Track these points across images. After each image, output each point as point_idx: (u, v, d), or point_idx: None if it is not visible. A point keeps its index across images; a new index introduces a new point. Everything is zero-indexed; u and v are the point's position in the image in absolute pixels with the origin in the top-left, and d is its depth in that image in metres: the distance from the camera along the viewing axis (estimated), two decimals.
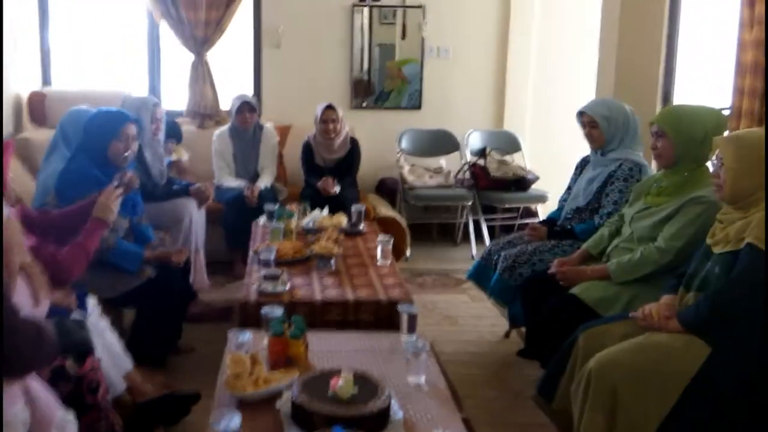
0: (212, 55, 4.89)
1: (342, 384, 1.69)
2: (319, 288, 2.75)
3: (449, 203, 5.14)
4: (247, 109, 4.31)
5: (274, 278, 2.71)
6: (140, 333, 2.87)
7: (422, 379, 1.99)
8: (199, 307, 3.48)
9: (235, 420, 1.53)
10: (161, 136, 3.76)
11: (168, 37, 4.85)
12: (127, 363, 2.46)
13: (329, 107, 4.25)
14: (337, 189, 4.21)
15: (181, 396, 2.46)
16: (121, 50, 5.06)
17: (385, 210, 4.69)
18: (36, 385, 1.29)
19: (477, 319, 3.74)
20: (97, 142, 2.83)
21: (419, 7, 5.19)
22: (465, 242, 5.07)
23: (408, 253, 4.69)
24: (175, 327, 3.03)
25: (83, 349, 2.02)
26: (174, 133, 4.41)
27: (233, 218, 4.11)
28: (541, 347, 2.67)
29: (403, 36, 5.25)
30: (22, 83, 4.42)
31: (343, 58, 5.19)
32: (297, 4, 5.02)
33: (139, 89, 4.87)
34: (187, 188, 3.83)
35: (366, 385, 1.75)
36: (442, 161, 5.28)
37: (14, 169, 3.58)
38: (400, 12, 5.19)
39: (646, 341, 2.05)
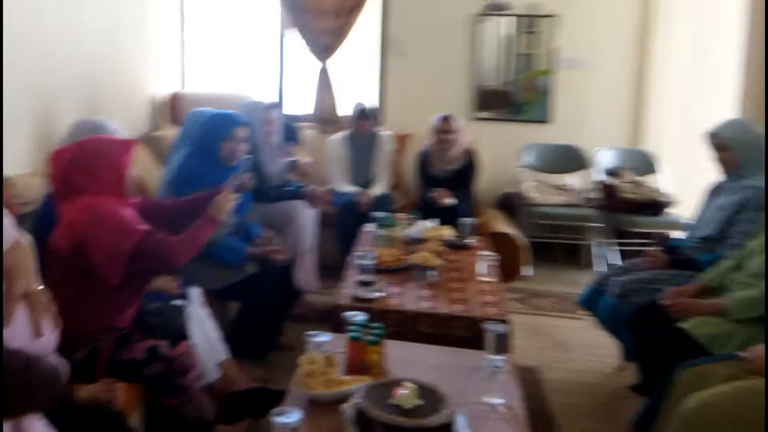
0: (335, 63, 5.08)
1: (404, 394, 1.72)
2: (413, 298, 2.79)
3: (575, 223, 4.99)
4: (364, 116, 4.44)
5: (368, 284, 2.78)
6: (242, 326, 3.05)
7: (499, 400, 1.97)
8: (304, 307, 3.64)
9: (295, 416, 1.60)
10: (275, 138, 3.96)
11: (296, 44, 5.10)
12: (222, 352, 2.62)
13: (446, 118, 4.29)
14: (451, 201, 4.22)
15: (271, 391, 2.59)
16: (254, 56, 5.40)
17: (501, 226, 4.65)
18: (37, 427, 1.19)
19: (592, 347, 3.61)
20: (210, 142, 3.06)
21: (551, 16, 5.11)
22: (591, 265, 4.90)
23: (526, 271, 4.62)
24: (276, 324, 3.19)
25: (177, 334, 2.21)
26: (291, 136, 4.63)
27: (345, 223, 4.25)
28: (649, 382, 2.55)
29: (520, 46, 5.21)
30: (162, 86, 4.83)
31: (467, 69, 5.22)
32: (422, 13, 5.13)
33: (268, 94, 5.16)
34: (299, 190, 4.00)
35: (431, 398, 1.77)
36: (568, 179, 5.14)
37: (147, 164, 3.94)
38: (542, 21, 5.13)
39: (751, 386, 1.90)
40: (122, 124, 4.08)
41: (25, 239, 1.26)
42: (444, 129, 4.27)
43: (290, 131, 4.62)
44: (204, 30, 5.32)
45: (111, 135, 2.59)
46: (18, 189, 2.54)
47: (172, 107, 4.72)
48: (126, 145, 2.28)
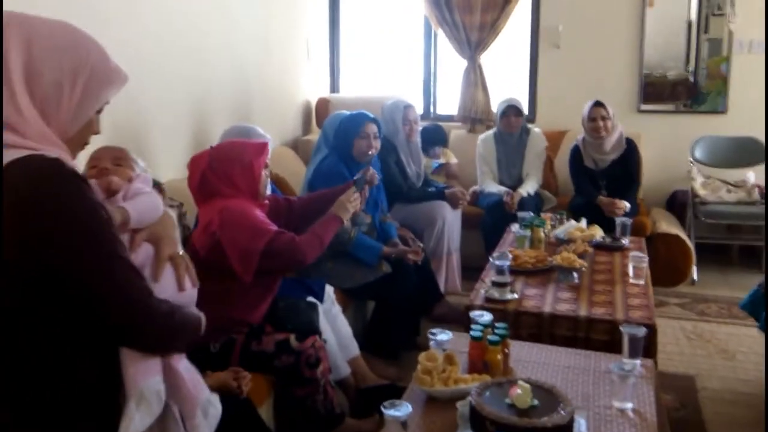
0: (486, 59, 5.09)
1: (519, 393, 1.72)
2: (551, 300, 2.75)
3: (754, 222, 4.61)
4: (512, 112, 4.41)
5: (502, 285, 2.78)
6: (376, 325, 3.17)
7: (628, 405, 1.91)
8: (444, 308, 3.69)
9: (405, 409, 1.66)
10: (416, 138, 4.05)
11: (443, 43, 5.18)
12: (353, 349, 2.76)
13: (597, 104, 4.15)
14: (625, 206, 4.04)
15: (401, 388, 2.67)
16: (401, 57, 5.55)
17: (667, 226, 4.41)
18: (183, 364, 1.41)
19: (757, 356, 3.35)
20: (344, 141, 3.22)
21: None
22: None
23: (694, 275, 4.36)
24: (411, 324, 3.27)
25: (307, 329, 2.37)
26: (439, 137, 4.72)
27: (491, 224, 4.24)
28: None
29: (706, 29, 4.87)
30: (314, 90, 5.12)
31: (632, 57, 4.99)
32: (579, 0, 4.99)
33: (415, 95, 5.29)
34: (442, 191, 4.07)
35: (550, 398, 1.75)
36: (746, 174, 4.76)
37: (295, 167, 4.21)
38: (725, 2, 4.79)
39: None
40: (273, 129, 4.47)
41: (172, 214, 1.53)
42: (595, 116, 4.13)
43: (438, 133, 4.71)
44: (356, 34, 5.53)
45: (258, 139, 2.76)
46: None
47: (318, 111, 4.98)
48: (259, 148, 2.42)
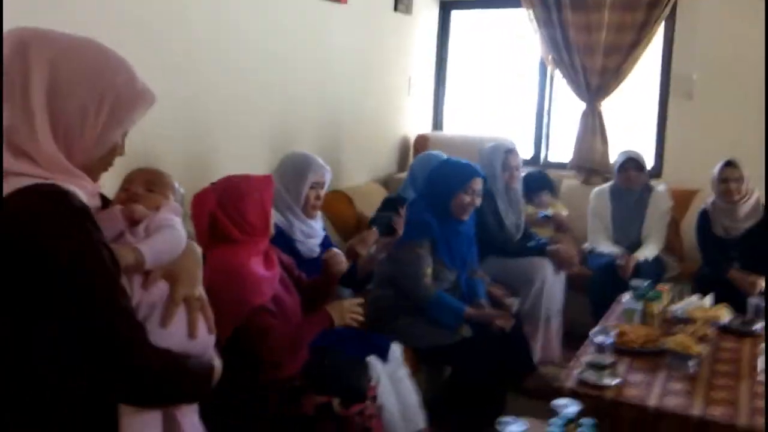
0: (607, 105, 4.75)
1: None
2: (658, 391, 2.40)
3: None
4: (632, 166, 4.06)
5: (601, 367, 2.45)
6: (451, 396, 2.91)
7: None
8: (536, 381, 3.36)
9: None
10: (518, 186, 3.79)
11: (559, 84, 4.89)
12: (419, 421, 2.53)
13: (729, 163, 3.73)
14: (762, 283, 3.57)
15: None
16: (512, 97, 5.31)
17: None
18: (190, 420, 1.33)
19: None
20: (442, 191, 3.00)
21: None
22: None
23: None
24: (492, 397, 2.96)
25: (354, 392, 2.17)
26: (545, 183, 4.42)
27: (601, 289, 3.87)
28: None
29: None
30: (413, 127, 4.96)
31: None
32: (717, 47, 4.54)
33: (524, 138, 5.02)
34: (543, 247, 3.76)
35: None
36: None
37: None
38: None
39: None
40: (364, 165, 4.34)
41: (196, 249, 1.43)
42: (726, 177, 3.71)
43: (543, 179, 4.42)
44: (464, 71, 5.35)
45: (318, 172, 2.67)
46: None
47: (417, 149, 4.80)
48: (265, 182, 2.33)
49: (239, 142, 3.14)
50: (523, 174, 4.48)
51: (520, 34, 5.06)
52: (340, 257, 2.52)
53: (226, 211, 2.23)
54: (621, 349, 2.67)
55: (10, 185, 1.10)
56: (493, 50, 5.41)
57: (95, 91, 1.17)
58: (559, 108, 5.07)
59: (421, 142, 4.85)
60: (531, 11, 4.63)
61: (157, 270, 1.31)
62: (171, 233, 1.38)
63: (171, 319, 1.27)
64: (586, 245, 4.20)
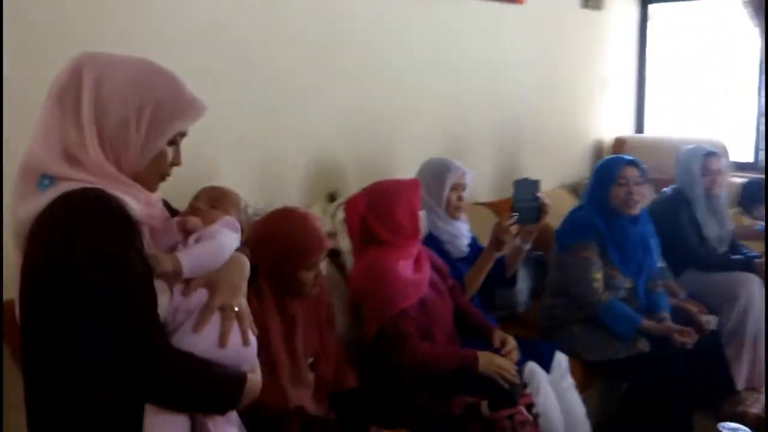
0: None
1: None
2: None
3: None
4: None
5: None
6: (626, 415, 2.74)
7: None
8: (736, 407, 3.04)
9: None
10: (721, 192, 3.50)
11: None
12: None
13: None
14: None
15: None
16: (726, 96, 4.89)
17: None
18: (222, 429, 1.35)
19: None
20: (600, 188, 2.87)
21: None
22: None
23: None
24: (679, 421, 2.73)
25: (505, 396, 2.14)
26: (754, 195, 3.98)
27: None
28: None
29: None
30: (609, 129, 4.72)
31: None
32: None
33: (743, 141, 4.58)
34: (751, 260, 3.42)
35: None
36: None
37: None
38: None
39: None
40: (548, 170, 4.19)
41: (243, 261, 1.47)
42: None
43: (752, 188, 3.99)
44: (669, 68, 5.02)
45: (456, 174, 2.67)
46: None
47: (614, 153, 4.54)
48: (413, 185, 2.39)
49: (411, 150, 3.16)
50: (743, 181, 4.14)
51: (733, 25, 4.64)
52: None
53: (376, 213, 2.33)
54: None
55: (60, 188, 1.22)
56: (702, 45, 5.01)
57: (134, 104, 1.27)
58: None
59: (619, 145, 4.60)
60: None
61: (198, 279, 1.36)
62: (213, 244, 1.41)
63: (203, 325, 1.30)
64: None
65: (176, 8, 2.41)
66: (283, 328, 1.92)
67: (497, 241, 2.57)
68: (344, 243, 2.60)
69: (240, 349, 1.35)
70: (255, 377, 1.39)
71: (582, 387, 2.64)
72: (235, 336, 1.34)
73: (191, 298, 1.34)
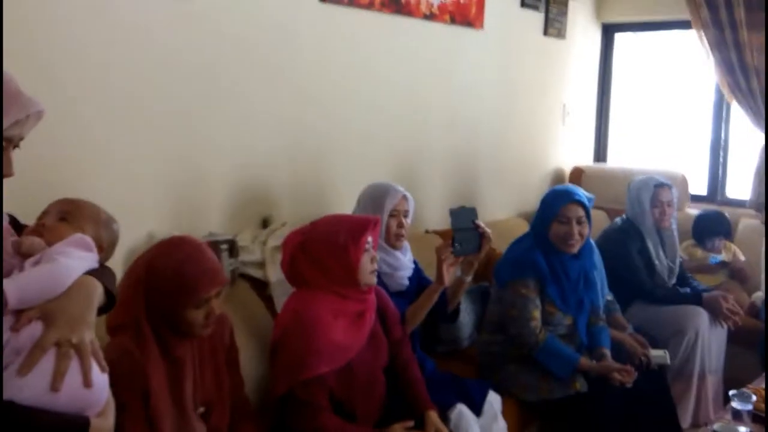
0: None
1: None
2: None
3: None
4: None
5: None
6: None
7: None
8: None
9: None
10: (671, 224, 3.47)
11: (737, 113, 4.39)
12: None
13: None
14: None
15: None
16: (684, 127, 4.88)
17: None
18: None
19: None
20: (541, 221, 2.79)
21: None
22: None
23: None
24: None
25: None
26: (721, 228, 3.97)
27: None
28: None
29: None
30: (569, 158, 4.69)
31: None
32: None
33: (698, 172, 4.57)
34: (699, 294, 3.38)
35: None
36: None
37: None
38: None
39: None
40: (508, 199, 4.13)
41: (90, 287, 1.27)
42: None
43: (720, 222, 3.99)
44: (628, 98, 5.01)
45: (395, 198, 2.53)
46: None
47: (572, 181, 4.51)
48: (359, 228, 2.11)
49: (359, 174, 2.99)
50: (696, 212, 4.12)
51: (690, 57, 4.64)
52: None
53: (307, 254, 2.12)
54: (761, 417, 2.33)
55: None
56: (661, 76, 5.00)
57: None
58: (738, 139, 4.55)
59: (576, 174, 4.57)
60: (702, 32, 4.20)
61: (30, 311, 1.18)
62: (51, 268, 1.23)
63: (30, 367, 1.13)
64: (759, 294, 3.69)
65: (101, 7, 2.19)
66: (168, 373, 1.70)
67: (440, 274, 2.40)
68: (273, 273, 2.46)
69: (79, 392, 1.19)
70: (102, 423, 1.23)
71: (518, 429, 2.57)
72: (73, 377, 1.18)
73: (21, 334, 1.16)
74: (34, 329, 1.18)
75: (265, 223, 2.75)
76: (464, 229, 2.44)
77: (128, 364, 1.57)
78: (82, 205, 1.47)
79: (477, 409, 2.32)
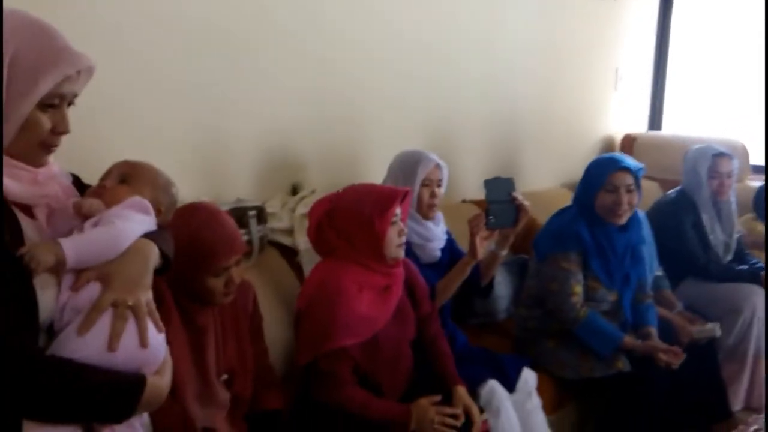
0: None
1: None
2: None
3: None
4: None
5: None
6: None
7: None
8: (728, 428, 2.82)
9: None
10: (730, 197, 3.26)
11: None
12: None
13: None
14: None
15: None
16: (745, 95, 4.60)
17: None
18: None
19: None
20: (586, 191, 2.63)
21: None
22: None
23: None
24: None
25: None
26: None
27: None
28: None
29: None
30: (621, 126, 4.46)
31: None
32: None
33: (761, 142, 4.30)
34: (758, 272, 3.19)
35: None
36: None
37: None
38: None
39: None
40: (550, 168, 3.95)
41: (146, 250, 1.27)
42: None
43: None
44: (690, 62, 4.74)
45: (428, 166, 2.40)
46: None
47: (623, 150, 4.29)
48: (386, 200, 2.00)
49: (388, 142, 2.82)
50: (758, 184, 3.88)
51: (754, 18, 4.33)
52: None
53: (334, 224, 2.03)
54: None
55: None
56: (723, 38, 4.69)
57: None
58: None
59: (628, 142, 4.35)
60: None
61: (89, 272, 1.19)
62: (108, 230, 1.23)
63: (89, 326, 1.15)
64: None
65: None
66: (190, 341, 1.68)
67: (474, 247, 2.28)
68: (302, 241, 2.37)
69: (136, 352, 1.19)
70: (159, 381, 1.23)
71: (554, 407, 2.46)
72: (129, 337, 1.18)
73: (80, 294, 1.17)
74: (92, 290, 1.19)
75: (294, 190, 2.65)
76: (499, 201, 2.32)
77: None
78: (142, 167, 1.46)
79: (511, 385, 2.22)
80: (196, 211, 1.72)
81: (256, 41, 2.53)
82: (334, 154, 2.85)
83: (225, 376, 1.78)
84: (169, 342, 1.40)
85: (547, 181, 3.92)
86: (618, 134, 4.44)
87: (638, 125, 4.62)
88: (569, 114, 4.10)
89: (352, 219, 2.00)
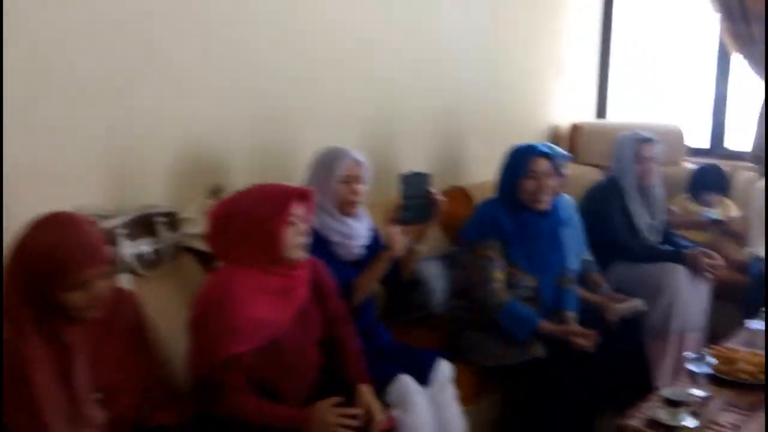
0: None
1: None
2: None
3: None
4: None
5: (676, 404, 2.09)
6: (519, 425, 2.62)
7: None
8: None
9: None
10: (655, 181, 3.38)
11: (741, 66, 4.22)
12: None
13: None
14: None
15: None
16: (685, 81, 4.72)
17: None
18: None
19: None
20: (508, 179, 2.71)
21: None
22: None
23: None
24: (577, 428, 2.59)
25: None
26: (717, 183, 3.87)
27: (758, 304, 3.29)
28: None
29: None
30: (567, 115, 4.53)
31: None
32: None
33: (699, 126, 4.43)
34: (680, 252, 3.29)
35: None
36: None
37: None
38: None
39: None
40: (494, 161, 4.01)
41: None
42: None
43: (717, 176, 3.89)
44: (633, 50, 4.83)
45: (346, 163, 2.39)
46: None
47: (571, 140, 4.39)
48: (281, 201, 1.94)
49: (320, 138, 2.70)
50: (694, 166, 4.02)
51: (693, 8, 4.46)
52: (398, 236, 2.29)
53: (227, 227, 1.95)
54: (722, 378, 2.30)
55: None
56: (666, 24, 4.80)
57: None
58: (740, 92, 4.38)
59: (575, 132, 4.41)
60: None
61: None
62: None
63: None
64: (748, 249, 3.60)
65: None
66: (55, 359, 1.57)
67: (389, 240, 2.32)
68: None
69: None
70: None
71: (476, 397, 2.53)
72: None
73: None
74: None
75: (214, 193, 2.54)
76: (415, 197, 2.37)
77: (4, 352, 1.50)
78: None
79: (425, 378, 2.25)
80: (52, 221, 1.61)
81: (173, 33, 2.43)
82: (265, 154, 2.80)
83: (99, 395, 1.68)
84: (27, 360, 1.39)
85: (492, 172, 3.99)
86: (564, 123, 4.50)
87: (586, 114, 4.71)
88: (515, 103, 4.12)
89: (247, 220, 1.93)
